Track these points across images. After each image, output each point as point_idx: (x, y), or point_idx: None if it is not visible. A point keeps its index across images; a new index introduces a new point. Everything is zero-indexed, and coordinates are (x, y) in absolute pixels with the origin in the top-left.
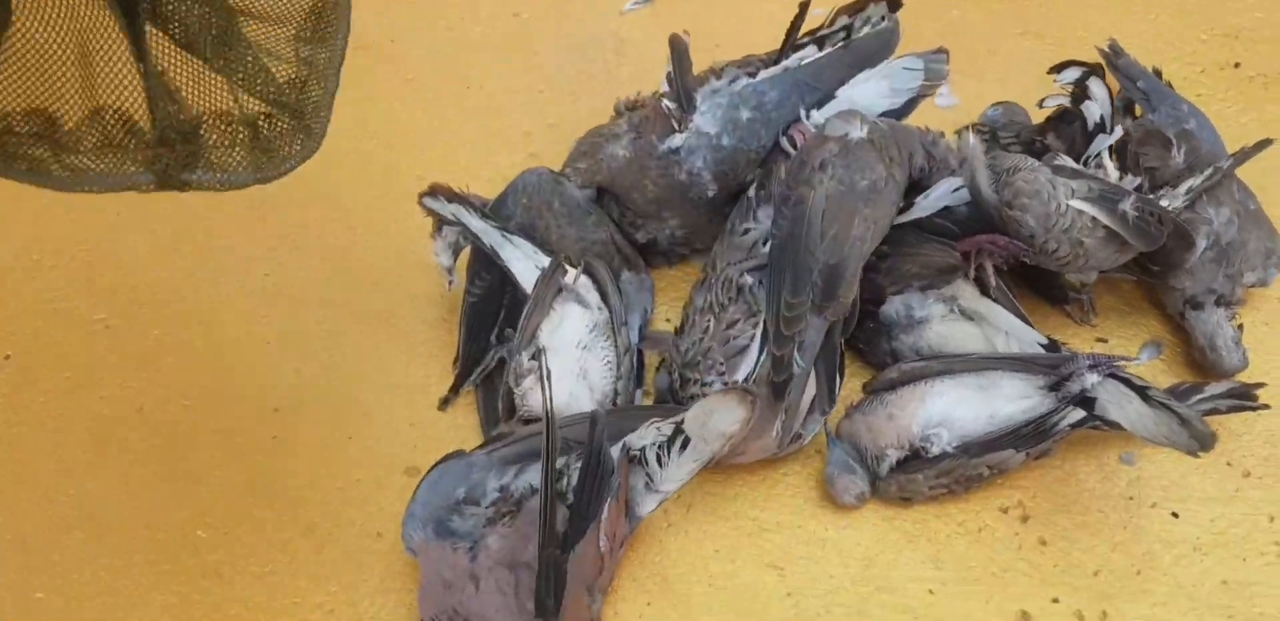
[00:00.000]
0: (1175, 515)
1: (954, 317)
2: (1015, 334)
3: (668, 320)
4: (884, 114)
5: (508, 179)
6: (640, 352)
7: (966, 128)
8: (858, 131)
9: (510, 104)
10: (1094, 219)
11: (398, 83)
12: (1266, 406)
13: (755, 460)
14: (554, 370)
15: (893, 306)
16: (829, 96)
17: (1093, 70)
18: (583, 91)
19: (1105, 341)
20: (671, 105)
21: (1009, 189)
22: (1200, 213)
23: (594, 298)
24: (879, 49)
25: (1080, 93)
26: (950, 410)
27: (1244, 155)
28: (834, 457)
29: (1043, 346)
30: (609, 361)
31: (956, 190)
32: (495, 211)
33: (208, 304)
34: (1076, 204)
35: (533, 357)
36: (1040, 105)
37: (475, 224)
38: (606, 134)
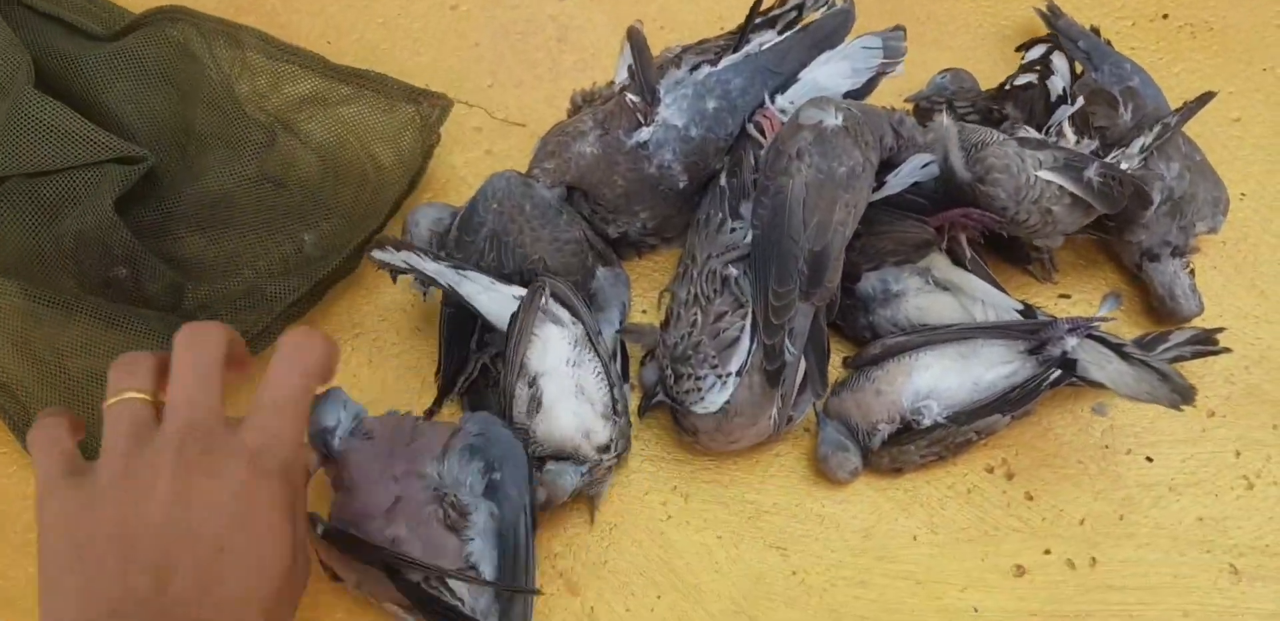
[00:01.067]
0: (1149, 459)
1: (930, 289)
2: (991, 302)
3: (644, 312)
4: (846, 94)
5: (464, 178)
6: (625, 355)
7: (939, 110)
8: (832, 119)
9: (456, 100)
10: (1061, 187)
11: None
12: (1228, 350)
13: (750, 445)
14: (553, 392)
15: (868, 282)
16: (792, 79)
17: (1055, 45)
18: (529, 82)
19: (1068, 297)
20: (635, 99)
21: (980, 164)
22: (1153, 169)
23: (565, 314)
24: (836, 30)
25: (1045, 68)
26: (937, 381)
27: (1190, 110)
28: (826, 436)
29: (1019, 312)
30: (599, 372)
31: (925, 166)
32: (466, 220)
33: None
34: (1044, 174)
35: (530, 385)
36: (1010, 84)
37: (429, 267)
38: (572, 132)
